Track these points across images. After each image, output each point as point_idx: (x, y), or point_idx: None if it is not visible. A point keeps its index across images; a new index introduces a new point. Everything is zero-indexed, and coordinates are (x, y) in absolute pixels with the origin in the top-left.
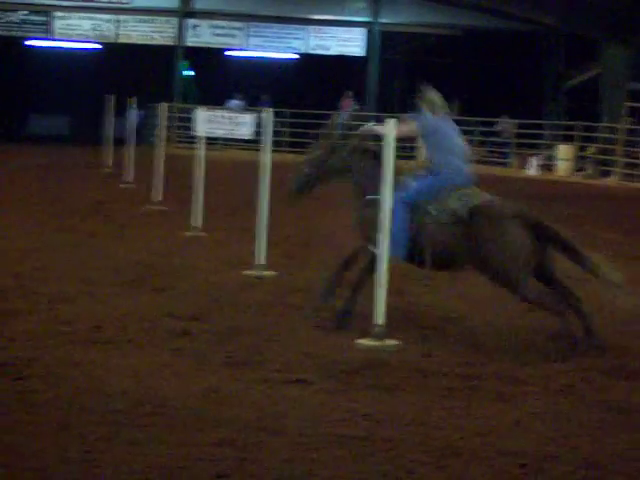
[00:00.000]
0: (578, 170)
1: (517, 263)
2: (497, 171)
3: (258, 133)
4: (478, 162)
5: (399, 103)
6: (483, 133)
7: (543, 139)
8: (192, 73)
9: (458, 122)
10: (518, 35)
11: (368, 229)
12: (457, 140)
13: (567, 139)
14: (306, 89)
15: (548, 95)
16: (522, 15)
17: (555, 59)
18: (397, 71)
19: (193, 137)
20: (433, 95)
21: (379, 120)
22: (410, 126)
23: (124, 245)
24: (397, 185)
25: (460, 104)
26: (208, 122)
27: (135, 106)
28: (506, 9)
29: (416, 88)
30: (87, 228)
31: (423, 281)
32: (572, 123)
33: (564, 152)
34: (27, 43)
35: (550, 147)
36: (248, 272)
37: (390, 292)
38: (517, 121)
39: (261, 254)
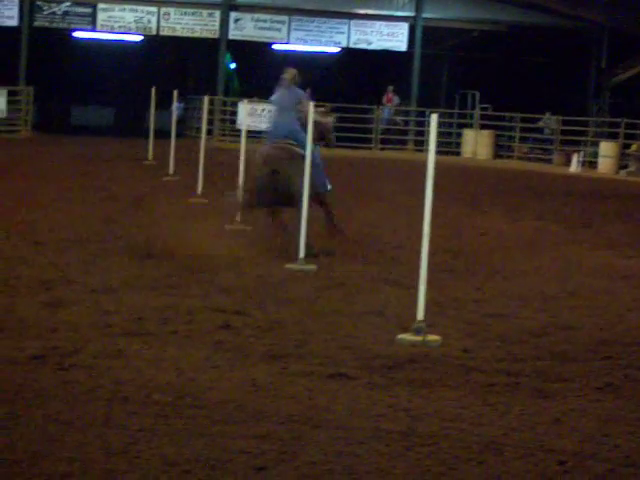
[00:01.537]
0: (622, 167)
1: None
2: (539, 168)
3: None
4: (520, 158)
5: (443, 98)
6: (526, 129)
7: (586, 136)
8: (234, 66)
9: (500, 118)
10: (562, 31)
11: None
12: (285, 105)
13: (611, 136)
14: (348, 83)
15: (592, 92)
16: (567, 11)
17: (599, 55)
18: (440, 66)
19: (236, 130)
20: (287, 72)
21: (422, 115)
22: None
23: (167, 237)
24: None
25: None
26: (251, 115)
27: (178, 99)
28: (550, 5)
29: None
30: (130, 220)
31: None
32: (616, 120)
33: (607, 149)
34: (74, 35)
35: (593, 144)
36: (290, 265)
37: (432, 287)
38: (561, 118)
39: (303, 247)
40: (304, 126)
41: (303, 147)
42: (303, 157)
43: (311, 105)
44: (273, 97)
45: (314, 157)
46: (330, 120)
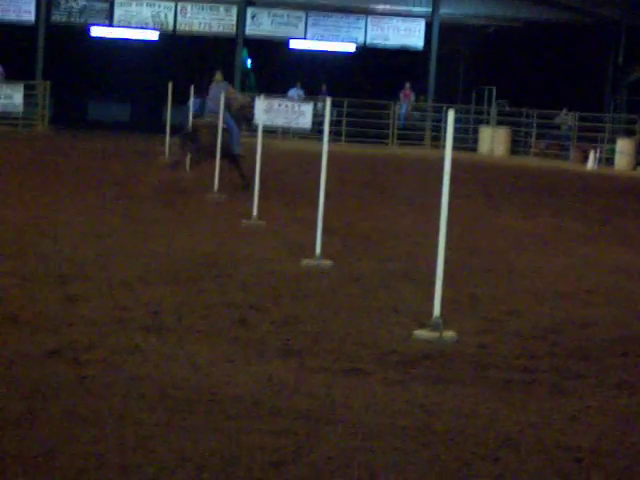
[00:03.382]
0: (638, 164)
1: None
2: (556, 164)
3: (316, 123)
4: (536, 155)
5: (459, 94)
6: (542, 126)
7: (603, 133)
8: (250, 62)
9: (517, 114)
10: (579, 28)
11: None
12: (219, 95)
13: (628, 133)
14: (365, 79)
15: (609, 89)
16: (583, 8)
17: (616, 52)
18: (457, 63)
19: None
20: (217, 74)
21: (438, 111)
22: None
23: (183, 233)
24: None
25: (505, 100)
26: (267, 112)
27: (195, 94)
28: (567, 1)
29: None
30: (147, 215)
31: None
32: (633, 117)
33: (624, 146)
34: (92, 34)
35: (610, 141)
36: (306, 261)
37: (449, 284)
38: (577, 114)
39: (320, 244)
40: (230, 106)
41: (226, 120)
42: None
43: (232, 90)
44: (211, 89)
45: (230, 126)
46: (247, 100)
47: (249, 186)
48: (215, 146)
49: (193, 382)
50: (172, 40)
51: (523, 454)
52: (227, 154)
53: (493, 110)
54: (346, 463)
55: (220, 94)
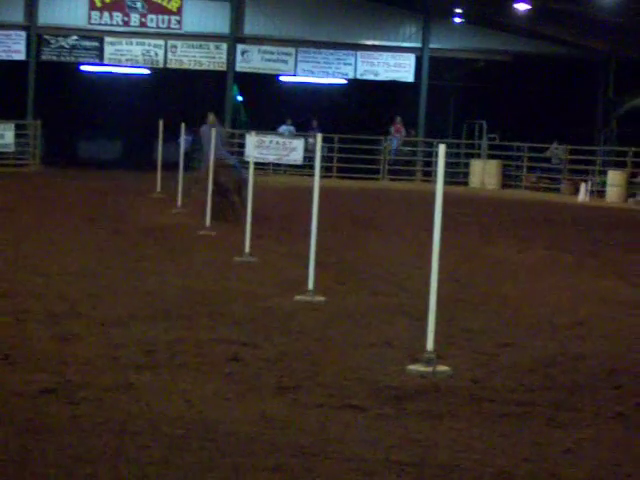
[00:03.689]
0: (630, 196)
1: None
2: (547, 197)
3: (307, 159)
4: (528, 188)
5: (450, 128)
6: (533, 159)
7: (594, 165)
8: (240, 98)
9: (508, 148)
10: (569, 61)
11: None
12: (210, 136)
13: (619, 165)
14: (355, 113)
15: (599, 121)
16: (573, 40)
17: (606, 85)
18: (447, 97)
19: (244, 162)
20: (210, 116)
21: (428, 145)
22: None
23: (175, 270)
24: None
25: (498, 132)
26: (259, 147)
27: (186, 131)
28: (557, 34)
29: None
30: (139, 252)
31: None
32: (624, 149)
33: (615, 178)
34: (81, 68)
35: (601, 173)
36: (299, 297)
37: (442, 317)
38: (568, 147)
39: (312, 279)
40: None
41: (228, 157)
42: (231, 165)
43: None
44: (204, 129)
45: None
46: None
47: (237, 219)
48: (233, 183)
49: (187, 419)
50: (162, 77)
51: None
52: (242, 185)
53: (484, 144)
54: None
55: (211, 136)
